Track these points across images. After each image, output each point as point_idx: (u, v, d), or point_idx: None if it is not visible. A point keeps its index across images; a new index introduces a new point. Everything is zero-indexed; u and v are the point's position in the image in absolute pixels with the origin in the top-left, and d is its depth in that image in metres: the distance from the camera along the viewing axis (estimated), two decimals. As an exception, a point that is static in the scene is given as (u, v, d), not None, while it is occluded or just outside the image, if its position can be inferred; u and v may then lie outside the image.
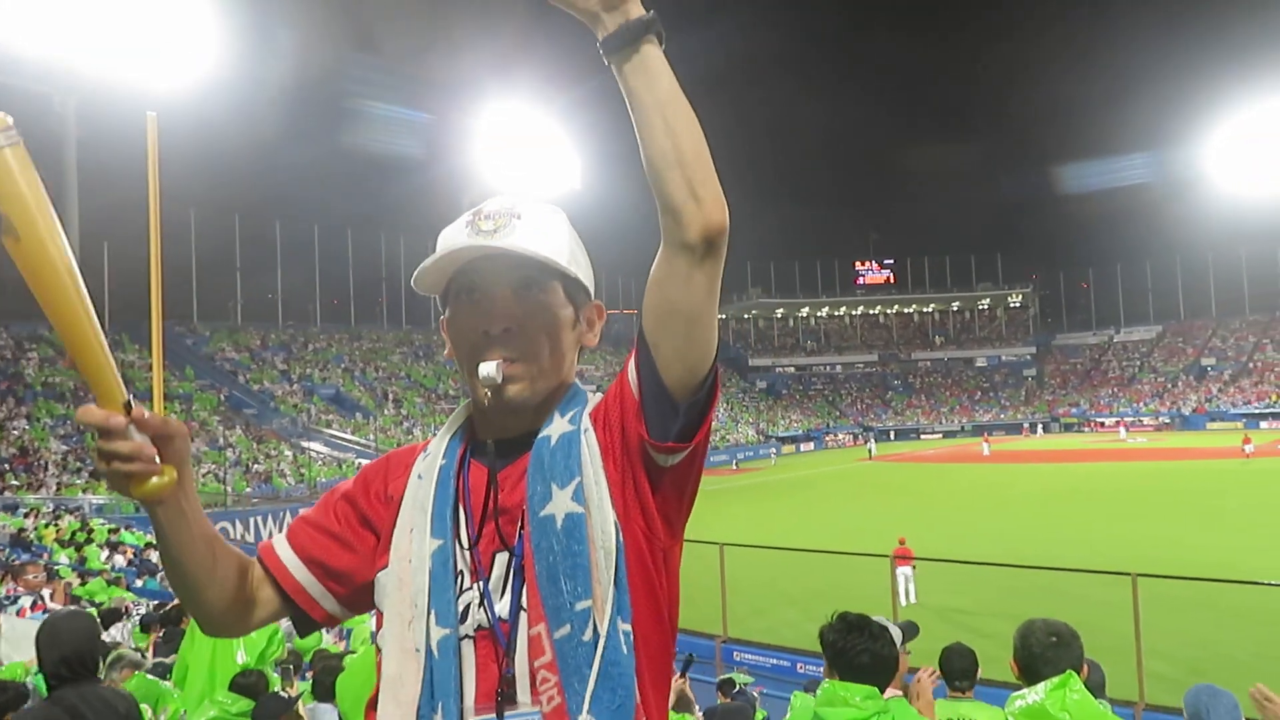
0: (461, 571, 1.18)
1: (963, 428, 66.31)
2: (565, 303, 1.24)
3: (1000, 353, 78.51)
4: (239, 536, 23.15)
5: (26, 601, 8.92)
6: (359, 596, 1.31)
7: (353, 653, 5.54)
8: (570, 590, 1.11)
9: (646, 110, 1.06)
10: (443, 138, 56.96)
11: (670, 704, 1.22)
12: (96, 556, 14.00)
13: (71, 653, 2.63)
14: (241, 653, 4.59)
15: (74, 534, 16.19)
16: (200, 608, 1.25)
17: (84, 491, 25.21)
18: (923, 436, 65.95)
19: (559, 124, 55.47)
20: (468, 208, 1.26)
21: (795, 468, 45.65)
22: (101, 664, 4.87)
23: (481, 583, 1.17)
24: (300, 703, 4.29)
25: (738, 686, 6.62)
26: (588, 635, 1.10)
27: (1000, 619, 9.32)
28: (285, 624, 2.27)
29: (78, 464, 27.77)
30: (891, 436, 64.82)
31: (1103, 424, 62.04)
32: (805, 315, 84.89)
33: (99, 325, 1.00)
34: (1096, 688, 3.18)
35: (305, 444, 36.85)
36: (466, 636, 1.15)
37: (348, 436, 39.23)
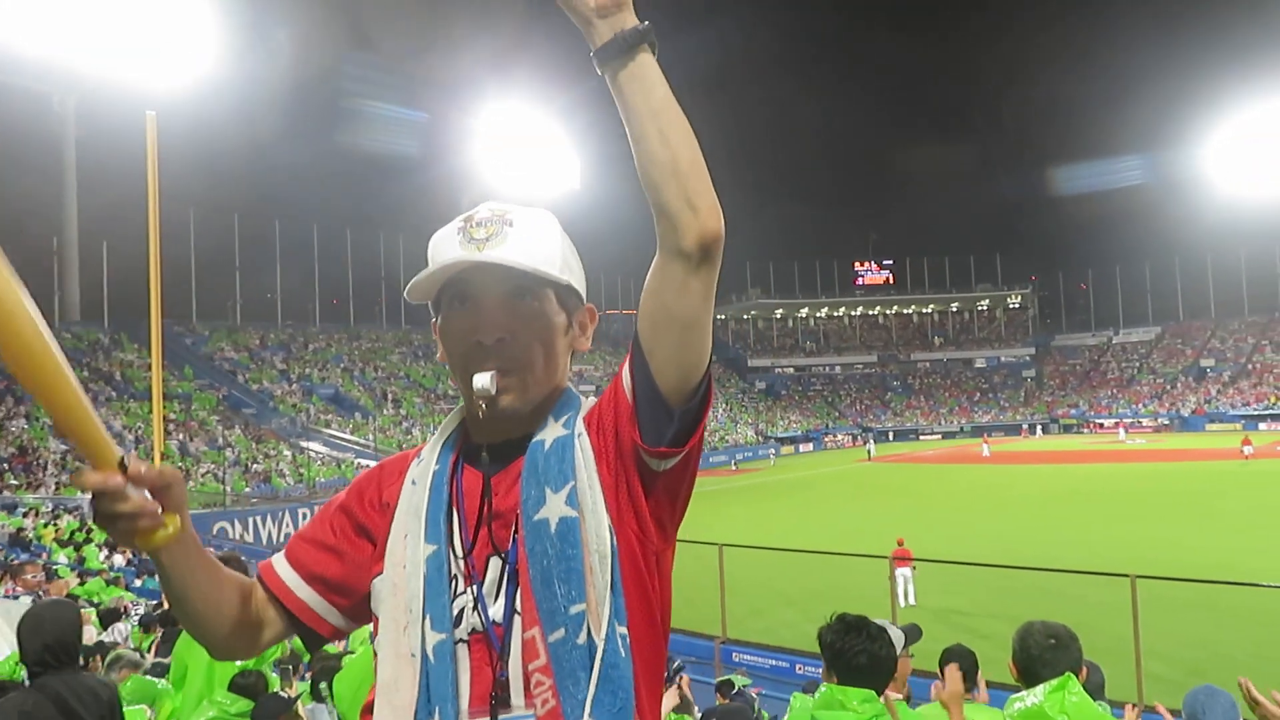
0: (456, 576, 1.18)
1: (962, 429, 66.34)
2: (558, 310, 1.24)
3: (999, 354, 78.56)
4: (238, 536, 23.16)
5: (26, 601, 8.92)
6: (363, 607, 1.31)
7: (351, 653, 5.54)
8: (564, 594, 1.11)
9: (641, 120, 1.06)
10: (442, 137, 57.13)
11: (670, 706, 1.23)
12: (95, 556, 13.98)
13: (55, 640, 2.62)
14: (240, 653, 4.57)
15: (73, 534, 16.19)
16: (208, 636, 1.26)
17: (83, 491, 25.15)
18: (922, 437, 65.91)
19: (558, 124, 55.59)
20: (468, 208, 1.26)
21: (794, 468, 45.61)
22: (100, 662, 4.89)
23: (475, 587, 1.17)
24: (299, 703, 4.29)
25: (736, 687, 6.60)
26: (582, 639, 1.10)
27: (999, 620, 9.32)
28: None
29: (76, 464, 27.73)
30: (890, 437, 64.78)
31: (1102, 425, 62.08)
32: (804, 316, 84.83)
33: (79, 386, 0.96)
34: (1095, 689, 3.18)
35: (304, 444, 36.83)
36: (461, 641, 1.15)
37: (347, 436, 39.20)
